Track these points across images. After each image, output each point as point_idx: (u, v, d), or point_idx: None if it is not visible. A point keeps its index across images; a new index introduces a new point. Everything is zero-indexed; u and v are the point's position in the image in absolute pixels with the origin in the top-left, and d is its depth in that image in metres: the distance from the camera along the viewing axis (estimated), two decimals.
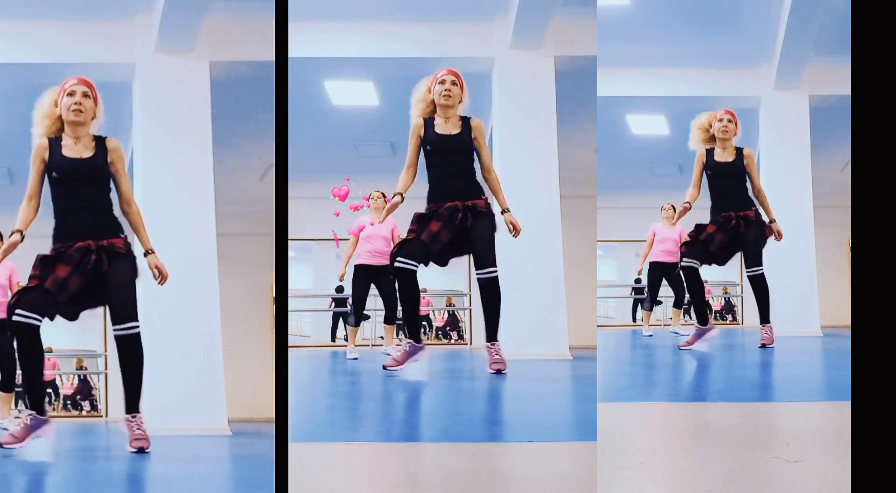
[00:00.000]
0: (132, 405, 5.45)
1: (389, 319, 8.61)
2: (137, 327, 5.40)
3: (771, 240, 7.62)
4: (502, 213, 6.40)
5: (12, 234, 5.34)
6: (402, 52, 9.45)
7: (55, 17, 8.51)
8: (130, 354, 5.40)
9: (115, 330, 5.41)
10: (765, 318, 7.73)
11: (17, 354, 5.36)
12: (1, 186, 10.54)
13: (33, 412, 5.37)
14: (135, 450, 5.43)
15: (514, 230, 6.40)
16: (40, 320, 5.23)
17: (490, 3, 9.14)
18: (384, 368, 6.63)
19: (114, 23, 8.49)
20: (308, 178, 11.43)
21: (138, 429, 5.45)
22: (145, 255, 5.49)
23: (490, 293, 6.36)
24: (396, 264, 6.23)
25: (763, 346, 7.77)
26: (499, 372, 6.48)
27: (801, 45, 9.84)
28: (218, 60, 8.43)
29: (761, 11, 9.93)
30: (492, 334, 6.46)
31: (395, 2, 9.32)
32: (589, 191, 10.38)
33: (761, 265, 7.56)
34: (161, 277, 5.52)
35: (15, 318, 5.20)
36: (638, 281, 14.02)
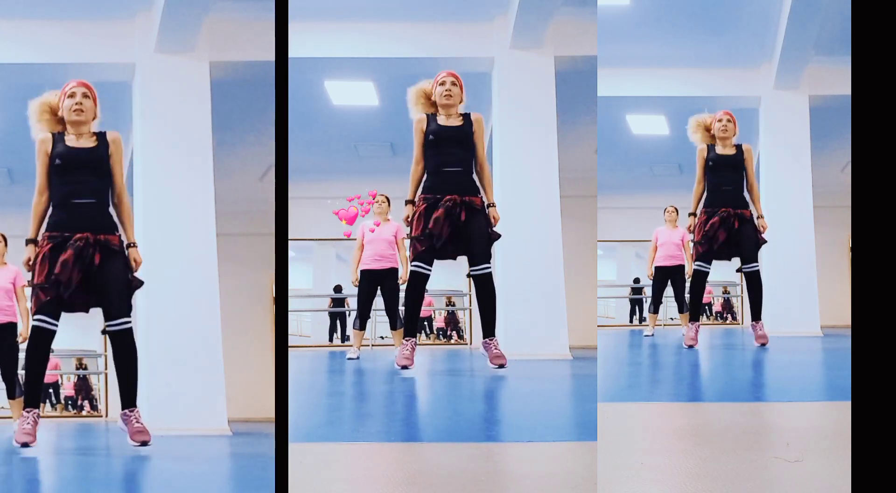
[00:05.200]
0: (130, 400, 5.60)
1: (395, 325, 8.61)
2: (130, 322, 5.57)
3: (768, 237, 7.87)
4: (487, 207, 6.50)
5: (28, 244, 5.60)
6: (402, 52, 9.44)
7: (55, 17, 8.50)
8: (125, 349, 5.56)
9: (108, 326, 5.57)
10: (757, 315, 7.92)
11: (26, 353, 5.61)
12: (1, 186, 10.53)
13: (36, 410, 5.60)
14: (138, 444, 5.54)
15: (494, 222, 6.51)
16: (57, 325, 5.53)
17: (490, 3, 9.13)
18: (404, 367, 6.69)
19: (114, 23, 8.48)
20: (308, 178, 11.43)
21: (137, 423, 5.59)
22: (127, 247, 5.66)
23: (486, 290, 6.50)
24: (412, 268, 6.46)
25: (762, 345, 7.87)
26: (501, 366, 6.55)
27: (801, 45, 9.83)
28: (218, 60, 8.43)
29: (761, 11, 9.92)
30: (489, 331, 6.56)
31: (395, 2, 9.31)
32: (589, 191, 10.37)
33: (757, 262, 7.79)
34: (136, 267, 5.69)
35: (35, 322, 5.48)
36: (636, 281, 14.02)
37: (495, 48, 9.11)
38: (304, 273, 14.23)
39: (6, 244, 7.75)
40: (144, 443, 5.53)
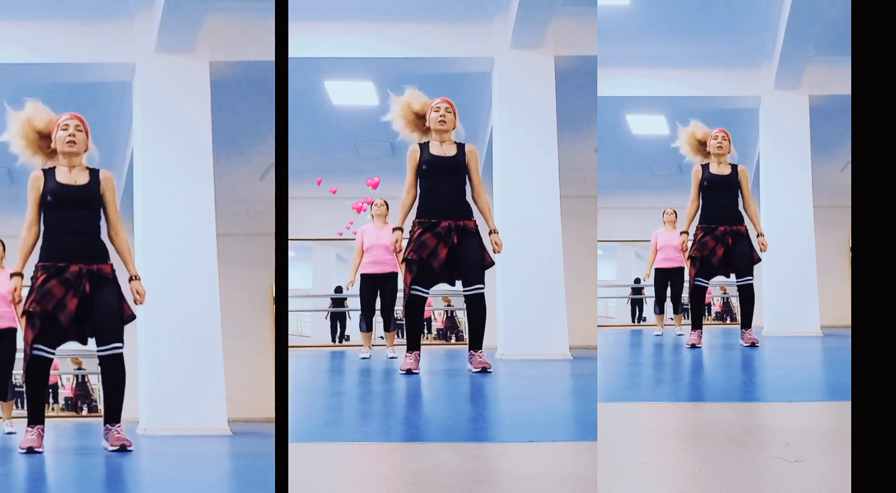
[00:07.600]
0: (115, 417, 5.70)
1: (388, 327, 8.70)
2: (120, 348, 5.64)
3: (768, 239, 7.99)
4: (490, 233, 6.63)
5: (12, 277, 5.69)
6: (402, 52, 9.44)
7: (55, 17, 8.50)
8: (113, 373, 5.65)
9: (98, 351, 5.65)
10: (747, 324, 8.11)
11: (26, 381, 5.67)
12: (1, 186, 10.53)
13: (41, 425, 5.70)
14: (117, 447, 5.61)
15: (498, 248, 6.65)
16: (54, 353, 5.63)
17: (490, 3, 9.13)
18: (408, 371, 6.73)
19: (114, 23, 8.47)
20: (308, 178, 11.43)
21: (118, 434, 5.69)
22: (130, 280, 5.79)
23: (477, 309, 6.61)
24: (412, 293, 6.54)
25: (752, 345, 8.02)
26: (484, 370, 6.62)
27: (801, 45, 9.83)
28: (218, 60, 8.43)
29: (761, 11, 9.91)
30: (476, 344, 6.72)
31: (395, 2, 9.31)
32: (589, 191, 10.37)
33: (750, 276, 7.92)
34: (140, 299, 5.82)
35: (34, 353, 5.56)
36: (637, 281, 14.03)
37: (495, 48, 9.11)
38: (304, 273, 14.23)
39: (5, 249, 7.75)
40: (123, 447, 5.63)
